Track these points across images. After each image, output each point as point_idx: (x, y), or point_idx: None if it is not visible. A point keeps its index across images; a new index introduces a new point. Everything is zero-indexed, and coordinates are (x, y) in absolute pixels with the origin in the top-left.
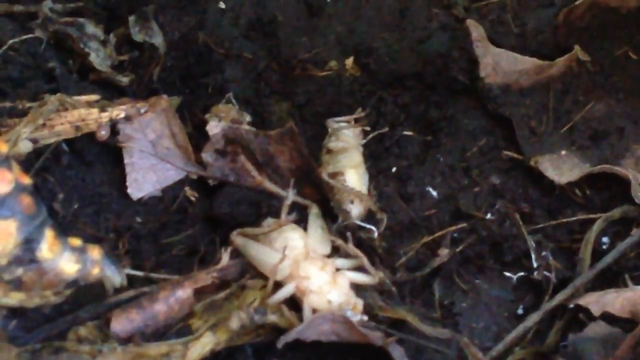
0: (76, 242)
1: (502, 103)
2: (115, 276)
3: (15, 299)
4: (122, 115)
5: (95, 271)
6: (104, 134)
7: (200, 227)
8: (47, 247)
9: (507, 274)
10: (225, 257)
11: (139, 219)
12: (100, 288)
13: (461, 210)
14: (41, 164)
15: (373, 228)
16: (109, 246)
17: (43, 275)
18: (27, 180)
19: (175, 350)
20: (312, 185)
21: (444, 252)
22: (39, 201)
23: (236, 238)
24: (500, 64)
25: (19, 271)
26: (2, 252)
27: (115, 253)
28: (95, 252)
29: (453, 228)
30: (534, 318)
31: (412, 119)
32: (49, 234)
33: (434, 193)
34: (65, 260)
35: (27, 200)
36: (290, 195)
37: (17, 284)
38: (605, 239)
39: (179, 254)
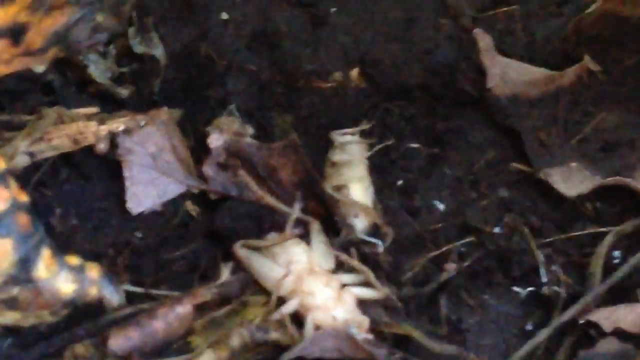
0: (74, 260)
1: (511, 114)
2: (113, 296)
3: (10, 318)
4: (122, 128)
5: (93, 291)
6: (102, 147)
7: (201, 242)
8: (44, 267)
9: (516, 289)
10: (225, 272)
11: (138, 234)
12: (98, 305)
13: (468, 224)
14: (39, 178)
15: (378, 242)
16: (107, 262)
17: (39, 295)
18: (24, 197)
19: None
20: (316, 199)
21: (451, 267)
22: (35, 219)
23: (239, 250)
24: (508, 75)
25: (15, 290)
26: None
27: (114, 269)
28: (93, 272)
29: (460, 242)
30: (543, 334)
31: (418, 131)
32: (45, 253)
33: (441, 206)
34: (62, 279)
35: (23, 218)
36: (296, 210)
37: (13, 304)
38: (616, 253)
39: (180, 270)
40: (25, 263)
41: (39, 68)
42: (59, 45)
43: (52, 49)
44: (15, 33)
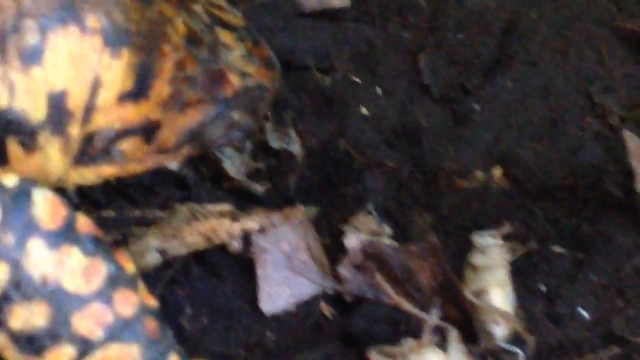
0: None
1: None
2: None
3: None
4: (256, 226)
5: None
6: (236, 245)
7: (335, 345)
8: None
9: None
10: None
11: (271, 335)
12: None
13: (614, 333)
14: (170, 276)
15: (519, 351)
16: None
17: None
18: (152, 302)
19: None
20: (454, 304)
21: None
22: (164, 324)
23: (374, 356)
24: None
25: None
26: None
27: None
28: None
29: (605, 353)
30: None
31: (563, 235)
32: (173, 359)
33: (585, 314)
34: None
35: (152, 324)
36: (433, 317)
37: None
38: None
39: None
40: None
41: (173, 165)
42: (194, 143)
43: (186, 147)
44: (148, 131)
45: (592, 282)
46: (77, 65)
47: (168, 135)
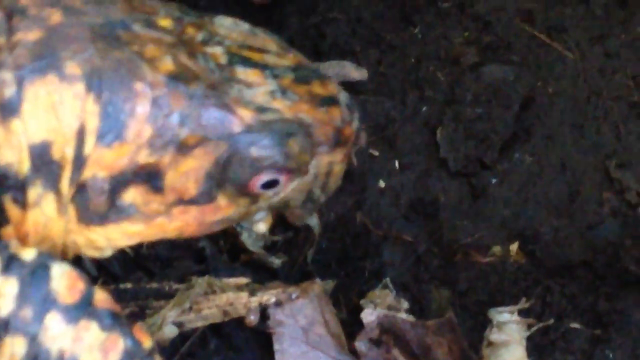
0: None
1: None
2: None
3: None
4: (273, 300)
5: None
6: (253, 319)
7: None
8: None
9: None
10: None
11: None
12: None
13: None
14: (187, 349)
15: None
16: None
17: None
18: None
19: None
20: None
21: None
22: None
23: None
24: None
25: None
26: None
27: None
28: None
29: None
30: None
31: (580, 311)
32: None
33: None
34: None
35: None
36: None
37: None
38: None
39: None
40: None
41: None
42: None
43: (221, 194)
44: (150, 178)
45: (609, 359)
46: (59, 114)
47: (180, 181)
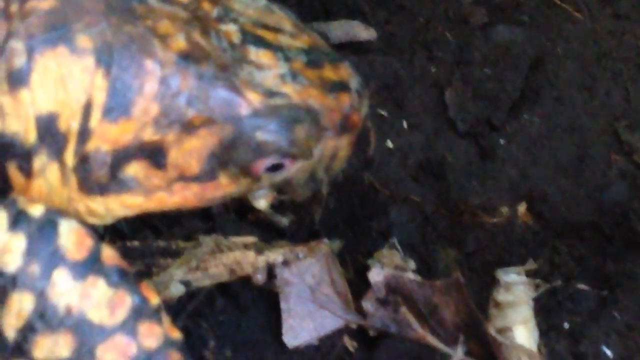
0: None
1: None
2: None
3: None
4: (280, 259)
5: None
6: (260, 278)
7: None
8: None
9: None
10: None
11: None
12: None
13: None
14: (193, 308)
15: None
16: None
17: None
18: (176, 334)
19: None
20: (478, 340)
21: None
22: (188, 357)
23: None
24: None
25: None
26: None
27: None
28: None
29: None
30: None
31: (587, 272)
32: None
33: (609, 353)
34: None
35: (176, 356)
36: (459, 352)
37: None
38: None
39: None
40: None
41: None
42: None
43: (223, 173)
44: (152, 154)
45: (616, 321)
46: (68, 87)
47: (183, 159)
